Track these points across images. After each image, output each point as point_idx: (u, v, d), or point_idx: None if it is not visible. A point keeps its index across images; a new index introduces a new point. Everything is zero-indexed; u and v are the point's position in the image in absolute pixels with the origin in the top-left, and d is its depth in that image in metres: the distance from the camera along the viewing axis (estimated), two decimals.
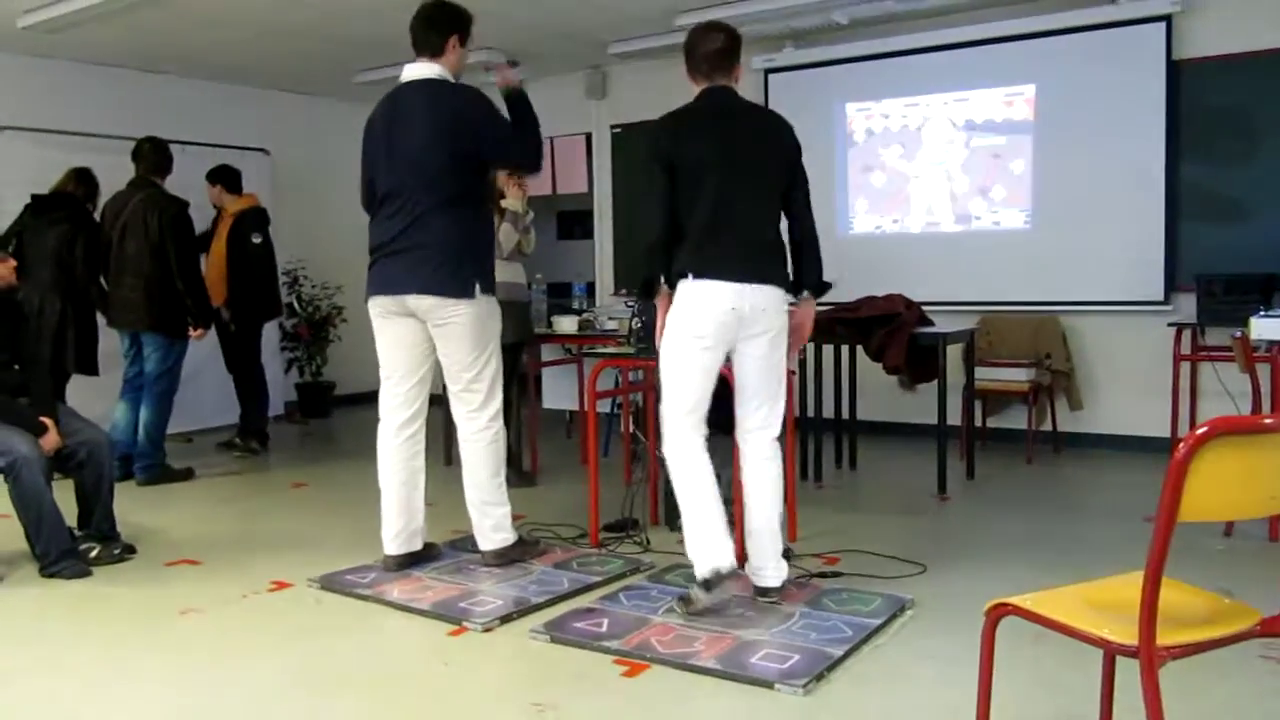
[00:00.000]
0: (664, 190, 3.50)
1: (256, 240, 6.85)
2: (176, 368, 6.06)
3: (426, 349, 4.04)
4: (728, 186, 3.45)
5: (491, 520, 4.07)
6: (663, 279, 3.56)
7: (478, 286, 3.89)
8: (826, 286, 3.66)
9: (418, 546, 4.19)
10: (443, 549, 4.36)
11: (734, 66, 3.59)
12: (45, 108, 7.26)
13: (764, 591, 3.63)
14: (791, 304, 3.62)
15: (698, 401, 3.53)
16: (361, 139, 4.10)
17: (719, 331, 3.44)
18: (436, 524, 4.50)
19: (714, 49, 3.54)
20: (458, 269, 3.86)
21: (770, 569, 3.62)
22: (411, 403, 4.11)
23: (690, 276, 3.44)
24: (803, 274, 3.61)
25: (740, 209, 3.46)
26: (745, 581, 3.68)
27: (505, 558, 4.09)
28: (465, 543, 4.44)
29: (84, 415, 4.59)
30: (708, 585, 3.45)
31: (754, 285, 3.44)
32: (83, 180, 6.05)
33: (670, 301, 3.53)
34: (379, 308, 4.03)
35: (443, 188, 3.85)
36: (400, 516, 4.12)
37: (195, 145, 7.72)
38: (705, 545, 3.47)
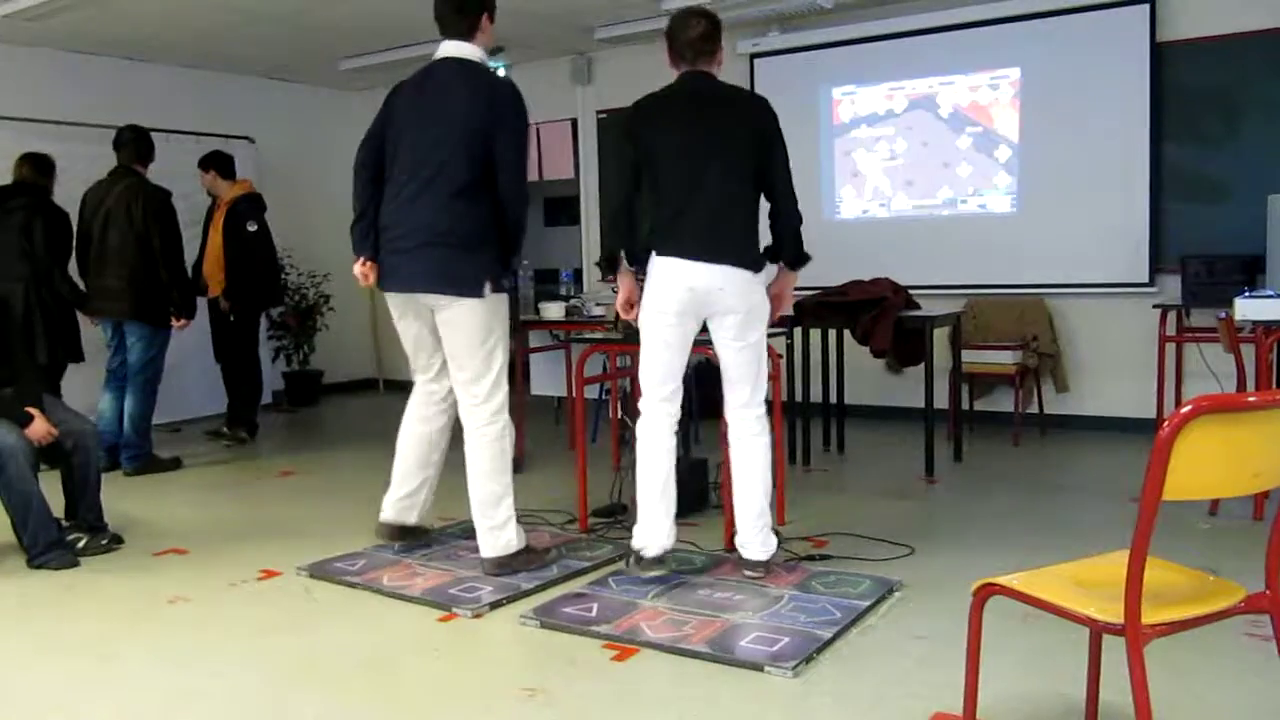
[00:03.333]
0: (626, 167, 3.66)
1: (252, 228, 6.77)
2: (159, 358, 6.02)
3: (439, 342, 3.91)
4: (693, 167, 3.52)
5: (490, 522, 3.81)
6: (623, 255, 3.69)
7: (488, 285, 3.73)
8: (804, 259, 3.70)
9: (410, 521, 4.11)
10: (434, 535, 4.34)
11: (715, 52, 3.65)
12: (26, 97, 7.20)
13: (749, 564, 3.69)
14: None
15: (664, 375, 3.64)
16: (380, 111, 3.93)
17: (680, 308, 3.56)
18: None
19: (695, 35, 3.60)
20: (470, 265, 3.72)
21: (755, 543, 3.68)
22: (440, 389, 4.02)
23: (654, 254, 3.59)
24: (782, 249, 3.68)
25: (704, 189, 3.52)
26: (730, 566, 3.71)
27: (505, 568, 3.82)
28: (455, 529, 4.45)
29: (69, 406, 4.58)
30: (636, 559, 3.67)
31: (709, 264, 3.49)
32: (34, 165, 5.95)
33: (630, 278, 3.71)
34: (393, 302, 3.92)
35: (468, 171, 3.70)
36: (403, 483, 4.05)
37: (179, 134, 7.68)
38: (639, 525, 3.69)
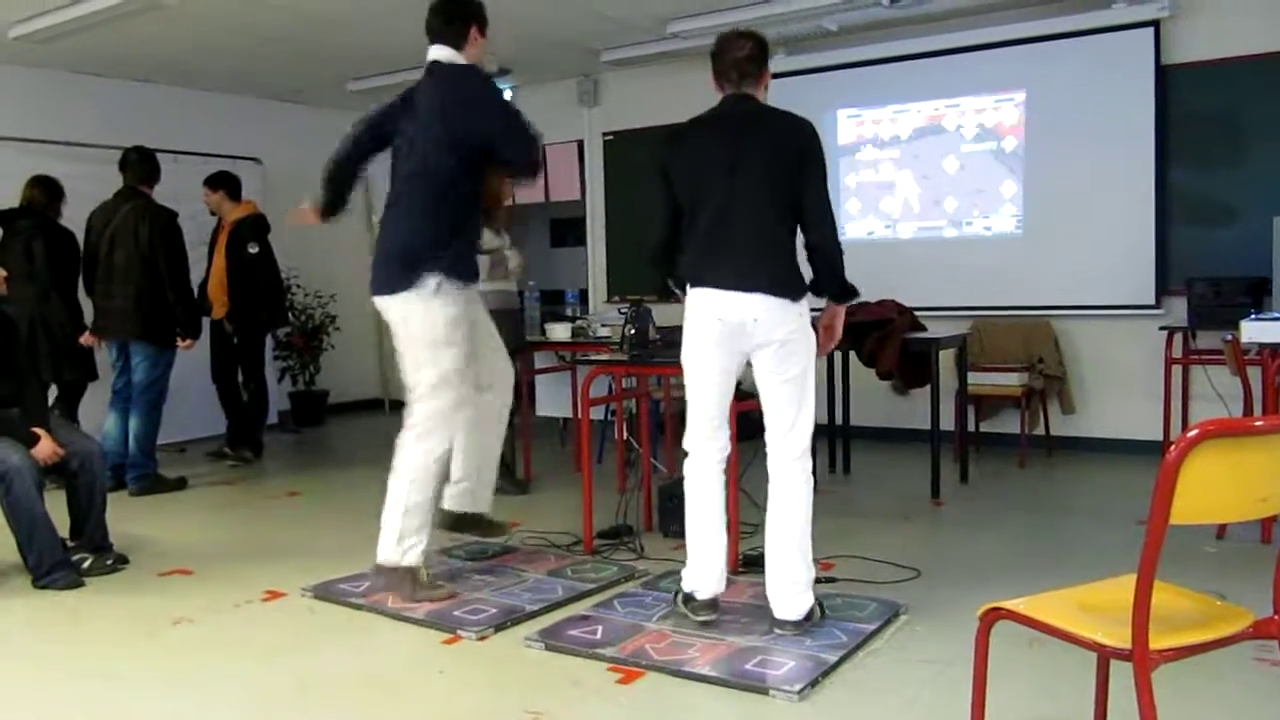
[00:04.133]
0: (661, 199, 3.52)
1: (253, 250, 6.77)
2: (164, 378, 6.04)
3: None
4: (725, 194, 3.36)
5: (397, 527, 3.80)
6: (673, 284, 3.56)
7: (433, 282, 3.69)
8: (850, 293, 3.47)
9: (468, 508, 4.11)
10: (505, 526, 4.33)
11: (761, 73, 3.51)
12: (36, 118, 7.24)
13: (779, 624, 3.37)
14: (815, 311, 3.53)
15: (706, 412, 3.45)
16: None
17: (716, 339, 3.36)
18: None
19: (741, 56, 3.45)
20: (413, 263, 3.72)
21: (784, 599, 3.36)
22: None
23: (690, 284, 3.43)
24: (820, 282, 3.44)
25: (737, 217, 3.35)
26: (743, 587, 3.67)
27: (393, 587, 3.83)
28: (459, 551, 4.44)
29: (75, 426, 4.58)
30: (685, 600, 3.51)
31: (744, 294, 3.30)
32: (42, 187, 6.02)
33: None
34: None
35: (434, 176, 3.73)
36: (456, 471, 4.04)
37: (188, 155, 7.71)
38: (690, 567, 3.50)
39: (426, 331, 3.73)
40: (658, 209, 3.55)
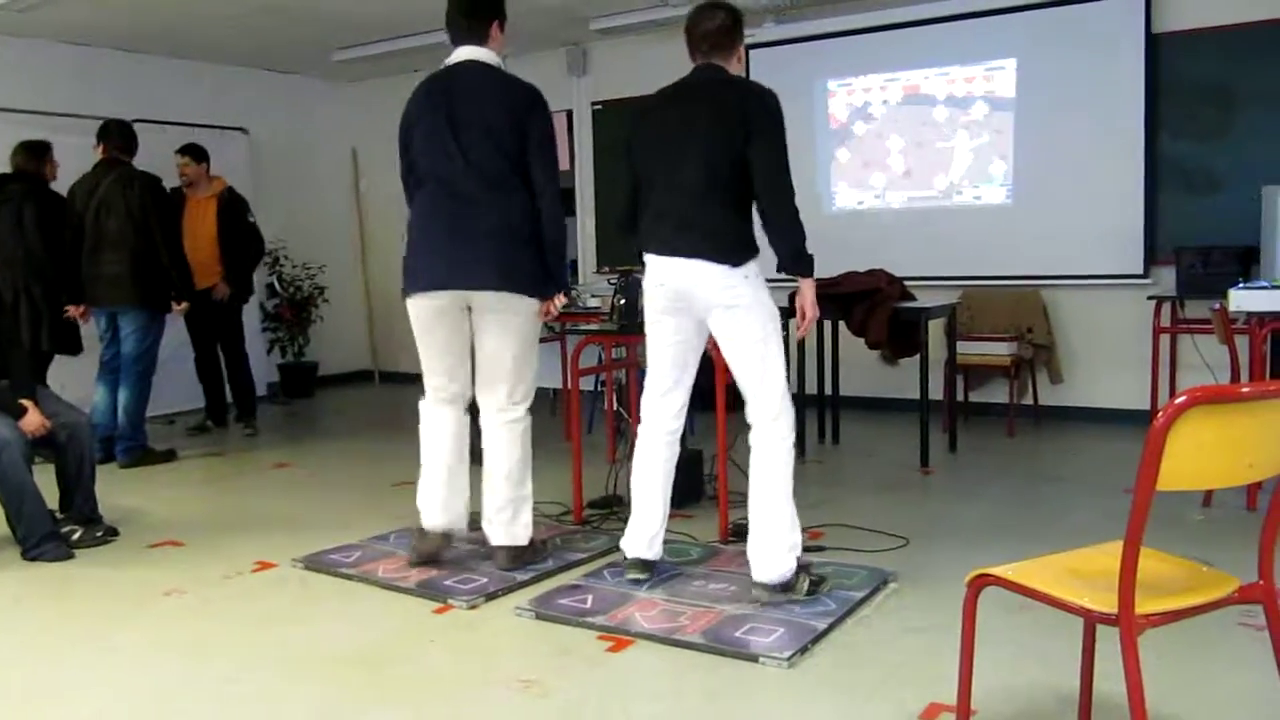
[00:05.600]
0: (624, 171, 3.61)
1: (251, 219, 6.88)
2: (154, 348, 6.02)
3: (470, 345, 3.80)
4: (672, 162, 3.40)
5: (512, 511, 3.79)
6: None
7: (534, 286, 3.67)
8: (803, 261, 3.40)
9: (462, 526, 3.96)
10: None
11: (732, 46, 3.50)
12: (19, 88, 7.16)
13: (755, 585, 3.41)
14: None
15: (657, 374, 3.55)
16: (403, 119, 3.80)
17: (665, 305, 3.46)
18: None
19: (711, 27, 3.46)
20: (520, 262, 3.64)
21: (762, 562, 3.39)
22: (458, 396, 3.90)
23: (643, 251, 3.51)
24: (774, 251, 3.40)
25: (679, 184, 3.38)
26: (732, 556, 3.69)
27: (519, 561, 3.80)
28: None
29: (62, 398, 4.56)
30: (622, 555, 3.67)
31: (682, 259, 3.35)
32: (31, 151, 5.97)
33: None
34: (430, 303, 3.70)
35: (504, 173, 3.63)
36: (443, 488, 3.88)
37: (173, 125, 7.64)
38: (629, 525, 3.65)
39: (534, 334, 3.83)
40: (621, 180, 3.65)
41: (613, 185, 8.17)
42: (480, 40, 3.74)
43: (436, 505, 3.87)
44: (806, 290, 3.51)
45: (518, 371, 3.76)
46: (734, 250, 3.35)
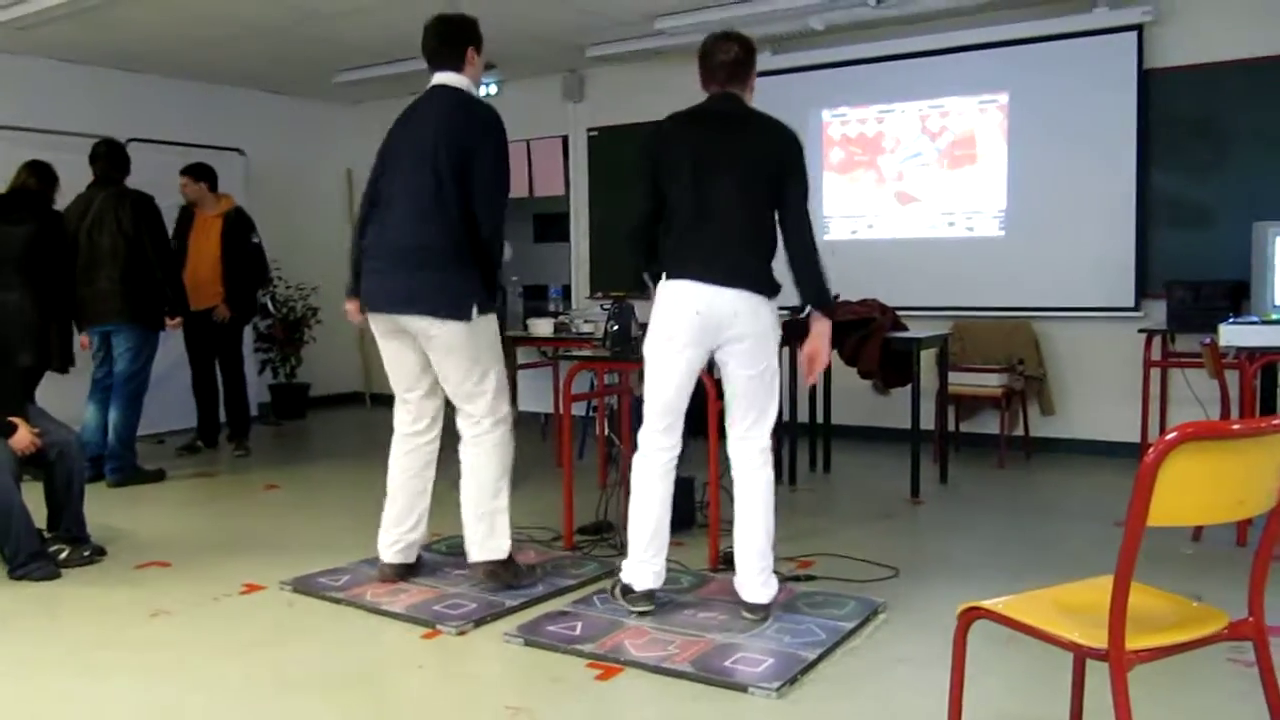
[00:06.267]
0: (642, 186, 3.55)
1: (255, 240, 6.90)
2: (147, 368, 6.01)
3: (426, 362, 3.84)
4: (706, 189, 3.40)
5: (487, 525, 3.82)
6: (647, 277, 3.57)
7: (474, 308, 3.67)
8: (828, 301, 3.50)
9: (412, 559, 4.02)
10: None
11: (747, 76, 3.57)
12: (17, 106, 7.18)
13: (747, 607, 3.49)
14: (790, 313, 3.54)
15: (666, 404, 3.48)
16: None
17: (688, 334, 3.39)
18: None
19: (728, 59, 3.51)
20: (457, 287, 3.67)
21: (754, 584, 3.47)
22: (423, 414, 3.95)
23: (665, 276, 3.46)
24: (799, 288, 3.47)
25: (717, 212, 3.39)
26: (723, 584, 3.68)
27: (496, 579, 3.83)
28: (440, 545, 4.43)
29: (52, 416, 4.55)
30: (623, 591, 3.59)
31: (720, 288, 3.34)
32: (38, 173, 5.90)
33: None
34: (376, 325, 3.84)
35: (448, 194, 3.65)
36: (396, 525, 3.95)
37: (170, 145, 7.66)
38: (629, 560, 3.59)
39: (476, 352, 3.81)
40: (639, 198, 3.57)
41: (607, 211, 8.23)
42: (455, 66, 3.81)
43: (384, 542, 3.99)
44: (825, 332, 3.53)
45: (470, 391, 3.78)
46: (770, 282, 3.44)
